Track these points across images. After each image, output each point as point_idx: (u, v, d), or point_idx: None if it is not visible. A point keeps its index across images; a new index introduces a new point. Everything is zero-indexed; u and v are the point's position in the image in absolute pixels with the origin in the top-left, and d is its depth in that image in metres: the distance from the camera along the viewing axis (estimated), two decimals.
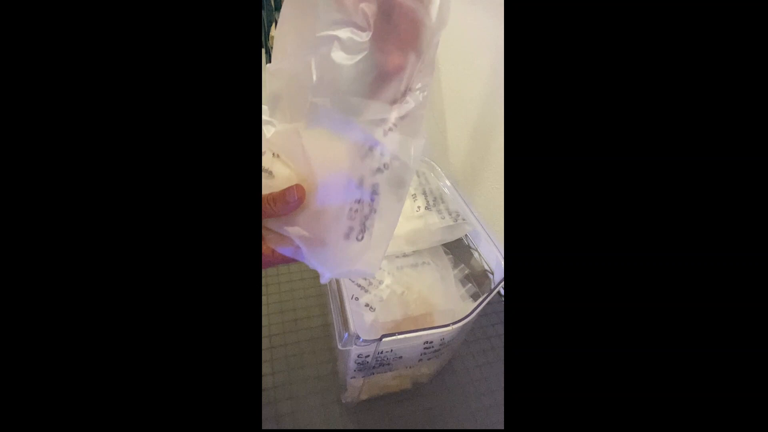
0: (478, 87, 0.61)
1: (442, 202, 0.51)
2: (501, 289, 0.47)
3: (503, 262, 0.45)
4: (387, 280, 0.44)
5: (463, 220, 0.49)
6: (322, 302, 0.54)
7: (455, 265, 0.50)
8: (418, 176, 0.55)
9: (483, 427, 0.46)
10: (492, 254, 0.48)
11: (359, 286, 0.43)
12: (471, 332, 0.55)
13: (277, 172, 0.26)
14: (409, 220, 0.50)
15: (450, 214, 0.50)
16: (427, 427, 0.45)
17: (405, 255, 0.47)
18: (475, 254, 0.54)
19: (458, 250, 0.53)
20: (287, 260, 0.27)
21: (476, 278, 0.50)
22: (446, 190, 0.54)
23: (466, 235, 0.51)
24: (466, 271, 0.50)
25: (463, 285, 0.48)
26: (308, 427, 0.43)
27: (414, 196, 0.52)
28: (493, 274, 0.50)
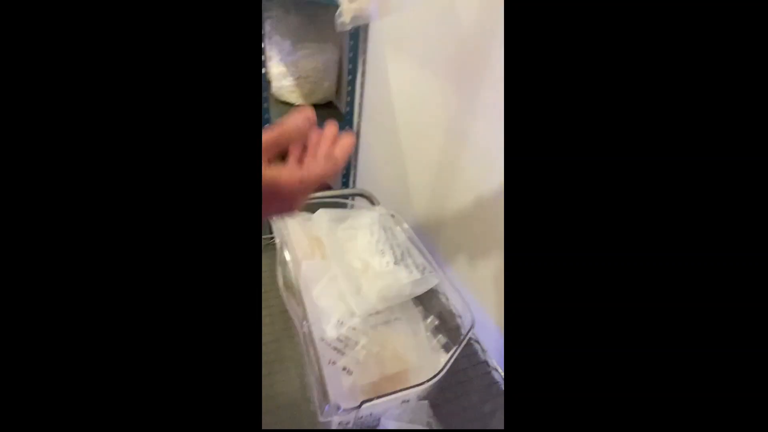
0: (436, 135, 0.66)
1: (409, 255, 0.54)
2: (471, 336, 0.49)
3: (470, 307, 0.47)
4: (362, 341, 0.45)
5: (431, 272, 0.52)
6: (300, 363, 0.54)
7: (425, 317, 0.53)
8: (385, 231, 0.57)
9: None
10: (458, 299, 0.50)
11: (335, 349, 0.44)
12: (445, 378, 0.57)
13: None
14: (381, 277, 0.52)
15: (417, 267, 0.52)
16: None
17: (378, 312, 0.48)
18: (443, 299, 0.56)
19: (427, 298, 0.56)
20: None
21: (446, 327, 0.52)
22: (411, 243, 0.57)
23: None
24: (436, 323, 0.52)
25: (434, 335, 0.51)
26: None
27: (382, 251, 0.55)
28: (461, 317, 0.53)
